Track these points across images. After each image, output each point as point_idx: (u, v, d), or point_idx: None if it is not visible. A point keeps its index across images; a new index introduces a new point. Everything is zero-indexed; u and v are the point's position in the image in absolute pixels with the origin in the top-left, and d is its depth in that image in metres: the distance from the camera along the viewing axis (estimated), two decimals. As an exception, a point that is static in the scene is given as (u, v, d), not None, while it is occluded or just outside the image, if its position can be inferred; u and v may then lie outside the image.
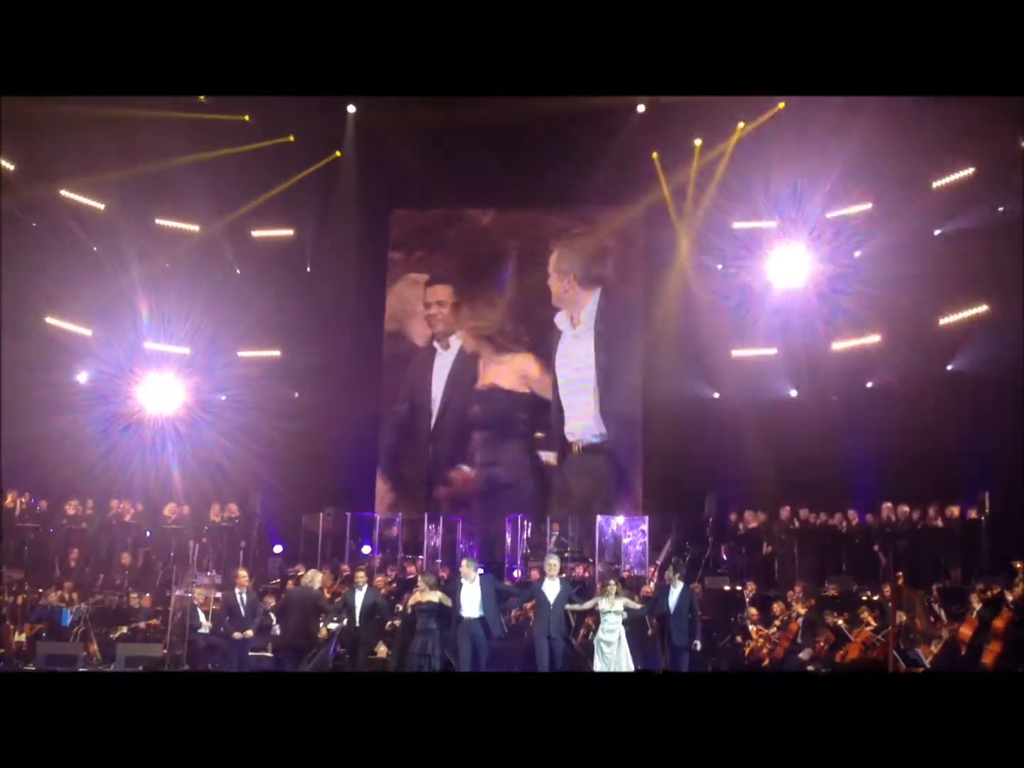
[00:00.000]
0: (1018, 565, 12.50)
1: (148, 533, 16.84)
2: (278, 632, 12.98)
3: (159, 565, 16.26)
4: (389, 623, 12.74)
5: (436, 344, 19.63)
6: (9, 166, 16.40)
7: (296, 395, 18.98)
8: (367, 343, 19.55)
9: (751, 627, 13.51)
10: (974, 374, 16.19)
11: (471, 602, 11.73)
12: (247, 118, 17.11)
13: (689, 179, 18.14)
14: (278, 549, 17.24)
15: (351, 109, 17.99)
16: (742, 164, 17.44)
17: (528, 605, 12.91)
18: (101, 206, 17.97)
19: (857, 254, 17.55)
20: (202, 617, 12.99)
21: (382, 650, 12.77)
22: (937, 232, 16.85)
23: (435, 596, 11.80)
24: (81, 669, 12.43)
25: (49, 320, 17.46)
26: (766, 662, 12.89)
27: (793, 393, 18.14)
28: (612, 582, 12.06)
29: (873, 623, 12.67)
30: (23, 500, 16.21)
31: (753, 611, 13.79)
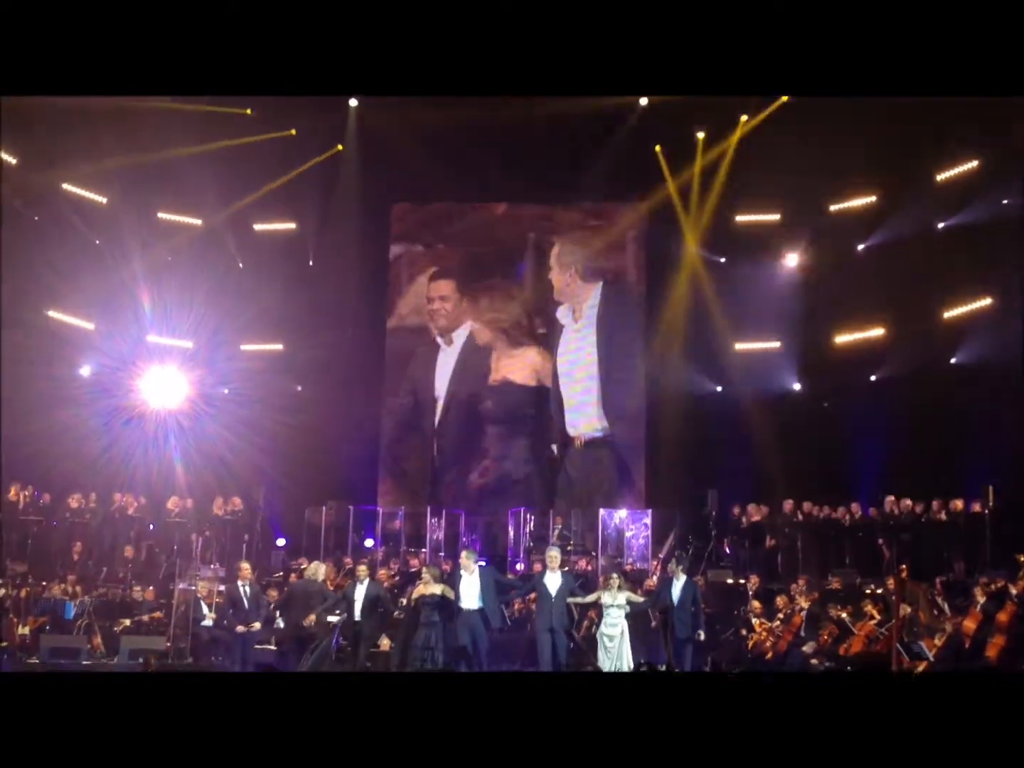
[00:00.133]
0: (1022, 558, 12.44)
1: (151, 526, 16.85)
2: (281, 625, 13.01)
3: (162, 558, 16.27)
4: (397, 611, 12.76)
5: (439, 339, 19.60)
6: (11, 159, 16.38)
7: (299, 389, 19.00)
8: (370, 337, 19.52)
9: (754, 620, 13.48)
10: (978, 367, 16.19)
11: (470, 594, 11.73)
12: (249, 112, 17.06)
13: (692, 172, 18.11)
14: (281, 542, 17.26)
15: (353, 103, 17.92)
16: (745, 157, 17.38)
17: (530, 598, 12.92)
18: (103, 199, 17.94)
19: (861, 247, 17.54)
20: (205, 610, 13.03)
21: (385, 643, 12.78)
22: (941, 225, 16.86)
23: (438, 589, 11.81)
24: (85, 662, 12.50)
25: (51, 313, 17.48)
26: (769, 655, 12.86)
27: (796, 386, 18.13)
28: (615, 576, 12.07)
29: (877, 616, 12.63)
30: (26, 494, 16.21)
31: (756, 604, 13.76)
